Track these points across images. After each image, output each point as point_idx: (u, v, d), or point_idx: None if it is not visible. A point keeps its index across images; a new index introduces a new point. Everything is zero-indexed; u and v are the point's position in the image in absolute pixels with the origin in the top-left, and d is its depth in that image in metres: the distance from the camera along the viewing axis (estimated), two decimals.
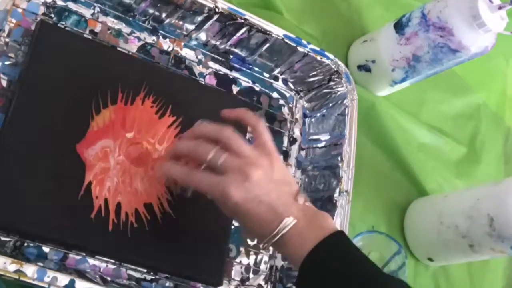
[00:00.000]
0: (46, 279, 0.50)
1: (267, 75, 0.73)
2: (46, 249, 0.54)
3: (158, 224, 0.58)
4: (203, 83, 0.68)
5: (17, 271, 0.49)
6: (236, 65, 0.71)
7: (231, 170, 0.52)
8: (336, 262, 0.51)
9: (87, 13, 0.63)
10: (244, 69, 0.71)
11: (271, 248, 0.66)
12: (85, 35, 0.62)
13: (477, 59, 0.72)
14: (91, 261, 0.56)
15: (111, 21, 0.64)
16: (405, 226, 0.80)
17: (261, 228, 0.52)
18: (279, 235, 0.52)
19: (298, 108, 0.74)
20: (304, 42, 0.70)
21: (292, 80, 0.74)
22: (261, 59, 0.71)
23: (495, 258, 0.85)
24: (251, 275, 0.65)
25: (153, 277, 0.59)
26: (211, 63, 0.70)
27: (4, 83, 0.56)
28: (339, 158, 0.69)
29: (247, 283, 0.64)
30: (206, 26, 0.67)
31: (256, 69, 0.72)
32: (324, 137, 0.72)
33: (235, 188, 0.51)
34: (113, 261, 0.57)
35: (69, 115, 0.56)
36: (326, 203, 0.68)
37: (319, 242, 0.51)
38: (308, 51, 0.70)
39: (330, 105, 0.73)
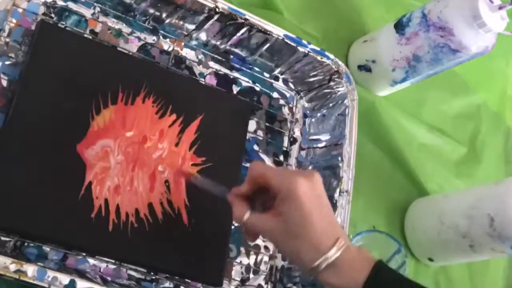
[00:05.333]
0: (46, 279, 0.50)
1: (268, 75, 0.73)
2: (46, 249, 0.54)
3: (159, 224, 0.58)
4: (203, 83, 0.68)
5: (17, 271, 0.49)
6: (237, 65, 0.71)
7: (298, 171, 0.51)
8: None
9: (87, 13, 0.63)
10: (244, 69, 0.71)
11: (271, 248, 0.66)
12: (85, 35, 0.62)
13: (477, 59, 0.72)
14: (91, 261, 0.56)
15: (111, 21, 0.64)
16: (405, 226, 0.79)
17: (318, 240, 0.49)
18: (335, 256, 0.48)
19: (299, 108, 0.74)
20: (305, 42, 0.70)
21: (292, 80, 0.74)
22: (261, 59, 0.71)
23: (495, 258, 0.85)
24: (251, 275, 0.65)
25: (153, 277, 0.59)
26: (211, 63, 0.70)
27: (4, 83, 0.56)
28: (339, 158, 0.69)
29: (247, 283, 0.64)
30: (206, 26, 0.67)
31: (257, 69, 0.72)
32: (325, 137, 0.72)
33: (304, 180, 0.50)
34: (113, 261, 0.57)
35: (70, 115, 0.57)
36: None
37: (372, 271, 0.48)
38: (309, 51, 0.70)
39: (331, 105, 0.73)
